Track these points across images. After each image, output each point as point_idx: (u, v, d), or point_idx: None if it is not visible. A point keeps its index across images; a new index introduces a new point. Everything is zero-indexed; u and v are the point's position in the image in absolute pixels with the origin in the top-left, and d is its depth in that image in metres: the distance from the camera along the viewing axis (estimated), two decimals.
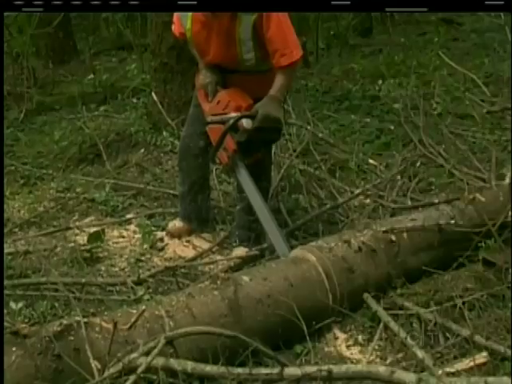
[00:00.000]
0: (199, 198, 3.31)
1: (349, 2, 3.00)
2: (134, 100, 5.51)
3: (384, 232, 2.70)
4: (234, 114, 2.87)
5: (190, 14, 2.96)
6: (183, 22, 3.00)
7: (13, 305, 2.54)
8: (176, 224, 3.36)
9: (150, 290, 2.79)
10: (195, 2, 2.77)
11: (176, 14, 3.08)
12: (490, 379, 1.71)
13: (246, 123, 2.85)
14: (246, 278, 2.39)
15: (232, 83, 3.00)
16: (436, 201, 3.13)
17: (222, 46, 2.92)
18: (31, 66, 6.54)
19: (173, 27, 3.15)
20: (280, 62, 2.85)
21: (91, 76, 6.63)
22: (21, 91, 6.14)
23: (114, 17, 8.77)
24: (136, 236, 3.41)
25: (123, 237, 3.42)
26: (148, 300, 2.60)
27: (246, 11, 2.80)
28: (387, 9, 3.17)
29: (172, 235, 3.34)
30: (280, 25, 2.82)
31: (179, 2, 2.80)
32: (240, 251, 3.04)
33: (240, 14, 2.81)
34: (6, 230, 3.51)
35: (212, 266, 3.01)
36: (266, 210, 2.86)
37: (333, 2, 2.99)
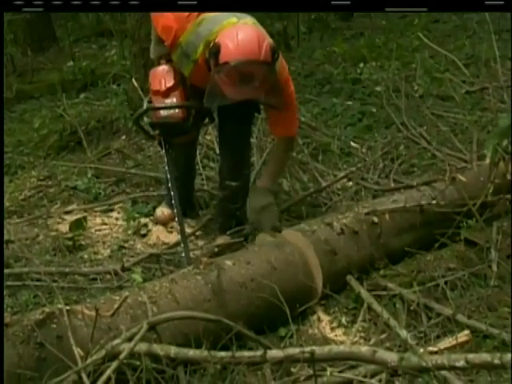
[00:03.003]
0: (187, 184, 3.28)
1: (349, 2, 2.98)
2: (115, 86, 5.46)
3: (366, 214, 2.71)
4: (144, 105, 2.87)
5: (191, 66, 2.73)
6: (181, 67, 2.78)
7: None
8: (164, 211, 3.32)
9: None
10: (195, 2, 2.73)
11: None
12: (471, 356, 1.72)
13: (151, 116, 2.85)
14: (228, 263, 2.39)
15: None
16: (418, 182, 3.13)
17: None
18: (9, 54, 6.46)
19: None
20: (286, 132, 2.88)
21: (71, 63, 6.55)
22: None
23: None
24: (119, 223, 3.39)
25: (106, 224, 3.40)
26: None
27: (245, 11, 2.72)
28: (387, 9, 3.16)
29: (160, 222, 3.31)
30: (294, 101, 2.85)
31: (179, 2, 2.76)
32: (223, 239, 3.02)
33: None
34: None
35: (196, 252, 3.00)
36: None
37: (333, 2, 2.97)
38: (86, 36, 8.36)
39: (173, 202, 2.91)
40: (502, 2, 2.85)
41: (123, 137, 4.40)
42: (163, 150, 2.95)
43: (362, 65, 5.90)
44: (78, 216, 3.36)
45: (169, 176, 2.94)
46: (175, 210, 2.88)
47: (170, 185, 2.93)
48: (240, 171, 3.05)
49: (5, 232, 3.30)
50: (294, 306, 2.38)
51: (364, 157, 4.01)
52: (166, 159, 2.95)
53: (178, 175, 3.07)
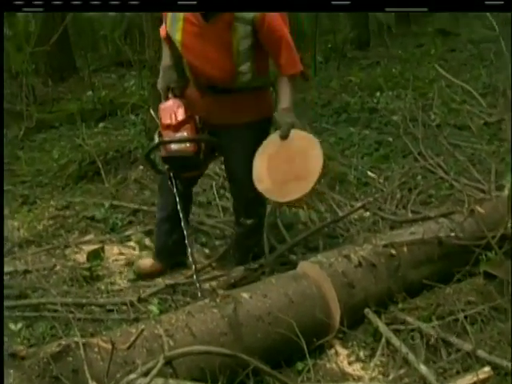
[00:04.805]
0: (174, 232, 3.04)
1: (349, 2, 2.99)
2: (133, 117, 5.53)
3: (384, 246, 2.69)
4: (155, 139, 2.83)
5: (180, 24, 2.78)
6: (172, 33, 2.82)
7: (12, 326, 2.53)
8: (148, 262, 3.17)
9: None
10: (195, 2, 2.74)
11: (165, 17, 2.86)
12: None
13: (162, 150, 2.81)
14: (245, 295, 2.37)
15: (224, 105, 2.83)
16: (436, 214, 3.11)
17: (217, 58, 2.75)
18: (30, 84, 6.57)
19: (161, 31, 2.96)
20: (287, 69, 2.75)
21: (90, 93, 6.66)
22: (20, 109, 6.16)
23: (113, 34, 8.83)
24: (136, 253, 3.40)
25: (123, 254, 3.41)
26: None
27: (245, 11, 2.68)
28: (387, 9, 3.15)
29: (143, 273, 3.13)
30: (284, 33, 2.73)
31: (179, 2, 2.77)
32: (239, 271, 3.00)
33: (236, 24, 2.68)
34: (5, 249, 3.50)
35: (212, 283, 2.99)
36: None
37: (333, 2, 2.98)
38: (106, 66, 8.50)
39: (187, 245, 2.79)
40: (502, 2, 2.85)
41: (141, 167, 4.44)
42: (173, 186, 2.87)
43: (378, 94, 5.94)
44: (96, 246, 3.38)
45: (181, 214, 2.84)
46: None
47: (182, 223, 2.83)
48: (253, 208, 3.00)
49: (23, 262, 3.33)
50: (311, 339, 2.36)
51: (381, 187, 4.00)
52: (176, 196, 2.86)
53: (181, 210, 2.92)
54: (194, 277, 2.71)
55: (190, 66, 2.87)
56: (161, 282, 3.06)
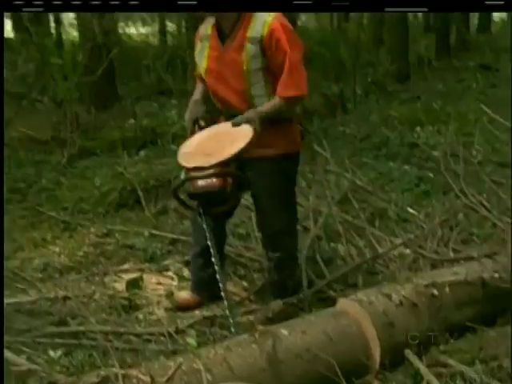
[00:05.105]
0: (208, 266, 2.92)
1: (348, 3, 3.02)
2: (174, 146, 5.58)
3: (425, 286, 2.64)
4: (182, 175, 2.80)
5: (206, 51, 2.84)
6: (199, 62, 2.87)
7: (51, 353, 2.55)
8: (186, 295, 3.17)
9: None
10: (195, 2, 2.77)
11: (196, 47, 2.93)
12: None
13: (189, 186, 2.75)
14: (284, 332, 2.35)
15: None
16: (478, 254, 3.05)
17: (233, 81, 2.77)
18: (74, 112, 6.71)
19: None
20: (280, 91, 2.72)
21: (132, 121, 6.76)
22: (64, 136, 6.29)
23: (155, 63, 8.99)
24: (174, 283, 3.41)
25: (161, 284, 3.42)
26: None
27: (245, 11, 2.71)
28: (387, 9, 3.15)
29: (181, 307, 3.13)
30: (289, 55, 2.70)
31: (179, 2, 2.81)
32: (277, 305, 2.97)
33: (247, 44, 2.70)
34: (45, 275, 3.56)
35: (250, 317, 2.97)
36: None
37: (333, 3, 3.00)
38: (148, 95, 8.64)
39: (219, 281, 2.73)
40: (502, 2, 2.83)
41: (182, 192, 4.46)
42: (203, 222, 2.82)
43: (418, 129, 5.91)
44: (134, 275, 3.40)
45: (212, 251, 2.77)
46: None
47: (213, 259, 2.76)
48: (280, 242, 2.96)
49: (63, 288, 3.36)
50: (349, 379, 2.32)
51: (422, 224, 3.95)
52: (207, 232, 2.79)
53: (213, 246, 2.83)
54: (227, 312, 2.70)
55: (213, 94, 2.90)
56: (198, 313, 3.06)
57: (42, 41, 6.57)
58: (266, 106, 2.77)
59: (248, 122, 2.71)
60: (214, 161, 2.67)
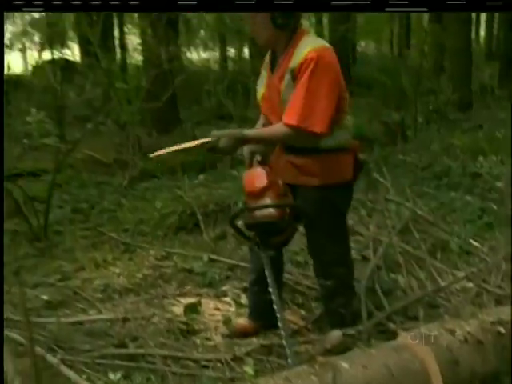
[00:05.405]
0: (265, 294, 2.87)
1: (348, 3, 2.97)
2: (234, 172, 5.62)
3: (492, 323, 2.56)
4: (240, 206, 2.79)
5: (264, 80, 2.83)
6: (258, 91, 2.86)
7: (111, 375, 2.58)
8: (243, 323, 3.18)
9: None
10: (195, 2, 2.77)
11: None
12: None
13: (246, 217, 2.74)
14: (344, 365, 2.31)
15: (294, 165, 2.79)
16: None
17: (277, 110, 2.73)
18: (136, 135, 6.86)
19: None
20: (284, 117, 2.63)
21: None
22: (126, 158, 6.43)
23: (216, 88, 9.13)
24: (232, 309, 3.41)
25: (219, 309, 3.42)
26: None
27: (245, 11, 2.68)
28: (387, 9, 3.09)
29: (236, 334, 3.13)
30: (306, 86, 2.59)
31: (179, 2, 2.81)
32: (335, 335, 2.93)
33: (286, 74, 2.65)
34: (105, 296, 3.61)
35: (308, 347, 2.94)
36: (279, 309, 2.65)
37: (332, 3, 2.97)
38: (208, 119, 8.77)
39: (276, 310, 2.67)
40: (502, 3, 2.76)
41: (239, 222, 4.48)
42: (260, 251, 2.81)
43: (481, 158, 5.78)
44: (193, 299, 3.42)
45: (269, 280, 2.73)
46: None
47: (270, 289, 2.71)
48: (332, 269, 2.91)
49: (122, 309, 3.41)
50: None
51: (485, 257, 3.84)
52: (264, 261, 2.77)
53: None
54: (284, 342, 2.66)
55: (269, 122, 2.89)
56: (255, 341, 3.04)
57: (110, 66, 6.76)
58: (266, 129, 2.78)
59: (225, 137, 2.64)
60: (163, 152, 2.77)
